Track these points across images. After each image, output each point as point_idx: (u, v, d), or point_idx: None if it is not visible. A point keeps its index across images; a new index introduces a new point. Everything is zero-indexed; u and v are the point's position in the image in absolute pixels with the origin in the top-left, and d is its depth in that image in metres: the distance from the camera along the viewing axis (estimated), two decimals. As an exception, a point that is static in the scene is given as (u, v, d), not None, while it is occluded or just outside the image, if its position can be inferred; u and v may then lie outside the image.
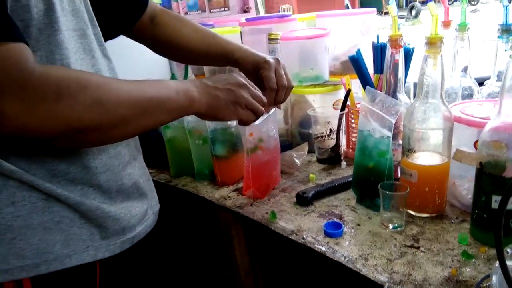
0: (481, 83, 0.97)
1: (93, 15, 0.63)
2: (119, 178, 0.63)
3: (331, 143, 1.04)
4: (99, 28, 0.64)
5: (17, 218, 0.53)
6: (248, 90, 0.69)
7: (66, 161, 0.56)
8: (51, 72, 0.49)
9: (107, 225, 0.60)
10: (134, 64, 1.13)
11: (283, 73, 0.81)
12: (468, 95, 0.94)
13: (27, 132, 0.47)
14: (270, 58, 0.81)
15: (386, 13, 0.94)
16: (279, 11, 1.91)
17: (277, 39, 1.02)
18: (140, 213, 0.67)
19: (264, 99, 0.73)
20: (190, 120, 0.97)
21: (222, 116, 0.67)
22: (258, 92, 0.72)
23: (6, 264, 0.53)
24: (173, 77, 1.31)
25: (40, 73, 0.47)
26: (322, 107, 1.06)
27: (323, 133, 1.05)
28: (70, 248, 0.56)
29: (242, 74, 0.75)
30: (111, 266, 0.62)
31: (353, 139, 1.04)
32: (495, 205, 0.62)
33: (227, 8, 1.71)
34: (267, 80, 0.78)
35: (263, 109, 0.71)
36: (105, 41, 0.66)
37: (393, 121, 0.72)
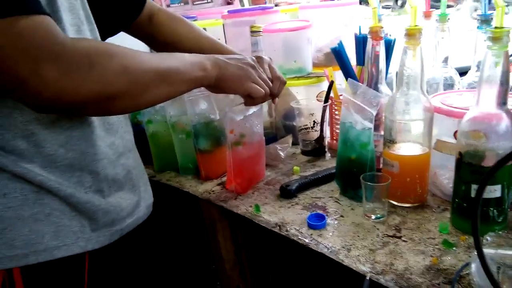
0: (462, 73, 0.98)
1: (89, 12, 0.64)
2: (113, 167, 0.64)
3: (315, 135, 1.04)
4: (95, 25, 0.64)
5: (8, 209, 0.55)
6: (256, 72, 0.74)
7: (64, 147, 0.57)
8: (80, 42, 0.52)
9: (97, 217, 0.61)
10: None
11: (276, 68, 0.83)
12: (449, 85, 0.95)
13: (64, 97, 0.49)
14: (262, 56, 0.83)
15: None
16: (265, 3, 1.89)
17: (259, 31, 1.02)
18: (130, 205, 0.68)
19: (270, 83, 0.76)
20: (173, 114, 0.96)
21: (230, 88, 0.71)
22: (265, 76, 0.76)
23: None
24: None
25: (71, 43, 0.49)
26: (306, 99, 1.06)
27: (307, 125, 1.05)
28: (59, 239, 0.58)
29: (254, 58, 0.77)
30: (100, 257, 0.64)
31: (337, 131, 1.04)
32: (474, 194, 0.62)
33: (210, 0, 1.69)
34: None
35: (268, 90, 0.75)
36: (105, 38, 0.68)
37: (374, 112, 0.72)
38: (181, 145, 0.99)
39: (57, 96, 0.48)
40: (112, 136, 0.64)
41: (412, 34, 0.68)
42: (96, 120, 0.61)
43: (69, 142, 0.58)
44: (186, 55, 0.65)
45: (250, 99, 0.74)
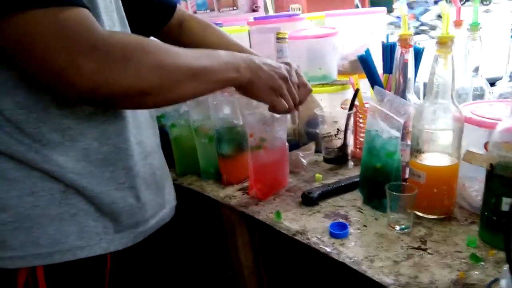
0: (492, 83, 0.95)
1: (123, 14, 0.65)
2: (142, 165, 0.64)
3: (338, 142, 1.03)
4: (128, 28, 0.66)
5: (36, 208, 0.55)
6: (287, 84, 0.73)
7: (98, 141, 0.58)
8: (117, 35, 0.54)
9: (121, 218, 0.62)
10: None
11: (302, 75, 0.83)
12: (479, 95, 0.93)
13: (99, 89, 0.49)
14: (291, 63, 0.82)
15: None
16: (288, 10, 1.90)
17: (285, 38, 1.02)
18: (155, 207, 0.68)
19: (297, 97, 0.75)
20: (196, 118, 0.96)
21: (257, 95, 0.70)
22: (295, 90, 0.75)
23: (23, 251, 0.55)
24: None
25: (108, 36, 0.50)
26: (330, 107, 1.05)
27: (330, 132, 1.04)
28: (83, 240, 0.59)
29: (288, 67, 0.76)
30: (121, 258, 0.64)
31: (361, 139, 1.03)
32: (505, 207, 0.60)
33: (236, 7, 1.71)
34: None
35: (293, 106, 0.74)
36: None
37: (402, 121, 0.71)
38: (204, 150, 0.99)
39: (93, 88, 0.49)
40: (141, 134, 0.65)
41: (443, 42, 0.67)
42: (128, 116, 0.62)
43: (104, 136, 0.59)
44: (222, 53, 0.65)
45: (274, 109, 0.73)
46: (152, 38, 0.84)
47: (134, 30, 0.67)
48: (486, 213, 0.64)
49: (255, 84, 0.68)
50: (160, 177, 0.71)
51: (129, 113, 0.62)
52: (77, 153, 0.57)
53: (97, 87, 0.49)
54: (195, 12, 1.63)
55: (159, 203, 0.70)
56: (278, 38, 1.01)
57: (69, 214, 0.57)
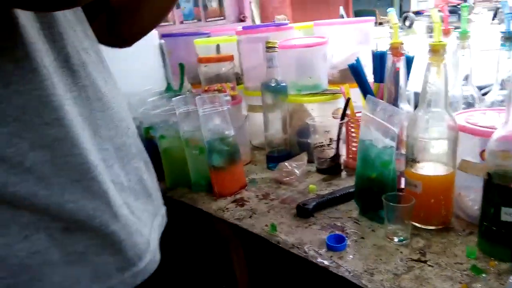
0: (482, 92, 0.96)
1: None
2: (125, 172, 0.54)
3: (331, 152, 1.02)
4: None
5: (33, 255, 0.43)
6: None
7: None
8: None
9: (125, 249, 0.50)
10: (127, 73, 1.10)
11: None
12: (470, 104, 0.93)
13: None
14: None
15: (380, 23, 0.93)
16: (274, 21, 1.90)
17: (275, 47, 1.01)
18: (148, 222, 0.58)
19: None
20: (186, 129, 0.94)
21: None
22: None
23: None
24: (168, 86, 1.29)
25: None
26: (321, 116, 1.04)
27: (322, 142, 1.03)
28: (101, 282, 0.48)
29: None
30: None
31: (353, 149, 1.02)
32: (504, 217, 0.59)
33: (223, 17, 1.70)
34: None
35: None
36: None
37: (397, 130, 0.70)
38: (194, 161, 0.97)
39: None
40: (122, 136, 0.56)
41: (436, 50, 0.67)
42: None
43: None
44: None
45: None
46: None
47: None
48: (485, 223, 0.63)
49: None
50: (148, 182, 0.61)
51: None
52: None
53: None
54: (181, 22, 1.62)
55: (151, 213, 0.61)
56: (267, 47, 1.00)
57: (77, 254, 0.46)
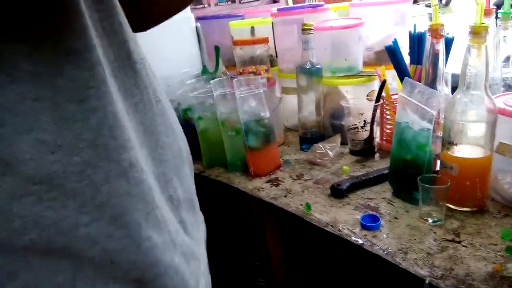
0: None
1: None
2: (181, 183, 0.45)
3: (364, 135, 1.02)
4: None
5: None
6: None
7: None
8: None
9: None
10: (165, 57, 1.14)
11: None
12: (510, 86, 0.91)
13: None
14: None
15: (415, 1, 0.91)
16: (304, 1, 1.89)
17: (311, 29, 1.01)
18: (198, 237, 0.48)
19: None
20: (223, 111, 0.97)
21: None
22: None
23: None
24: (204, 69, 1.32)
25: None
26: (356, 98, 1.05)
27: (356, 124, 1.03)
28: None
29: None
30: None
31: (387, 131, 1.02)
32: (543, 200, 0.59)
33: (256, -1, 1.70)
34: None
35: None
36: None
37: (435, 113, 0.70)
38: (231, 142, 1.00)
39: None
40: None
41: (477, 32, 0.66)
42: None
43: None
44: None
45: None
46: None
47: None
48: (521, 206, 0.63)
49: None
50: None
51: None
52: None
53: None
54: (216, 5, 1.63)
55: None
56: (303, 30, 1.01)
57: None
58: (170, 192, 0.41)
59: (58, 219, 0.29)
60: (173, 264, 0.36)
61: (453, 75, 0.96)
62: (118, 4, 0.38)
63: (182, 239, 0.40)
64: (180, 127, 0.47)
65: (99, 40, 0.34)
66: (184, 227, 0.42)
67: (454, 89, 0.75)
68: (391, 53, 0.92)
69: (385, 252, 0.64)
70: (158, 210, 0.36)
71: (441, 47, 0.78)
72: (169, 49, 1.16)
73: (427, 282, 0.57)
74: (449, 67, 0.96)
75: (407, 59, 0.93)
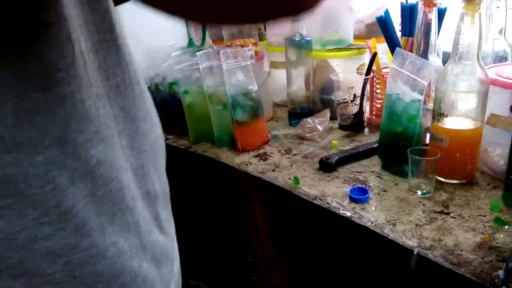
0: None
1: None
2: (158, 175, 0.42)
3: (354, 109, 1.01)
4: None
5: None
6: None
7: None
8: None
9: None
10: (149, 29, 1.10)
11: None
12: (502, 58, 0.90)
13: None
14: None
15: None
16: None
17: (300, 0, 0.98)
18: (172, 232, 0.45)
19: None
20: (210, 85, 0.95)
21: None
22: None
23: None
24: (190, 42, 1.28)
25: None
26: (345, 72, 1.03)
27: (346, 99, 1.01)
28: None
29: None
30: None
31: (377, 105, 1.01)
32: (532, 170, 0.59)
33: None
34: None
35: None
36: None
37: (426, 83, 0.69)
38: (218, 116, 0.97)
39: None
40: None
41: (471, -1, 0.64)
42: None
43: None
44: None
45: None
46: None
47: None
48: (511, 177, 0.62)
49: None
50: None
51: None
52: None
53: None
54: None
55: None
56: (292, 1, 0.98)
57: None
58: (148, 187, 0.37)
59: (13, 232, 0.24)
60: (141, 271, 0.33)
61: (444, 53, 0.94)
62: None
63: (155, 240, 0.37)
64: (156, 112, 0.42)
65: (79, 7, 0.29)
66: (159, 224, 0.39)
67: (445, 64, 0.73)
68: (383, 24, 0.90)
69: (373, 224, 0.63)
70: (127, 211, 0.32)
71: (433, 16, 0.76)
72: (153, 21, 1.11)
73: (415, 252, 0.56)
74: (440, 41, 0.94)
75: (398, 33, 0.91)
